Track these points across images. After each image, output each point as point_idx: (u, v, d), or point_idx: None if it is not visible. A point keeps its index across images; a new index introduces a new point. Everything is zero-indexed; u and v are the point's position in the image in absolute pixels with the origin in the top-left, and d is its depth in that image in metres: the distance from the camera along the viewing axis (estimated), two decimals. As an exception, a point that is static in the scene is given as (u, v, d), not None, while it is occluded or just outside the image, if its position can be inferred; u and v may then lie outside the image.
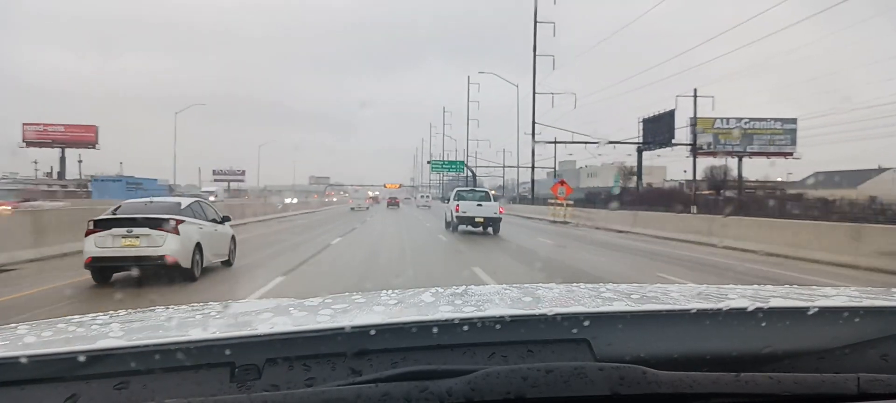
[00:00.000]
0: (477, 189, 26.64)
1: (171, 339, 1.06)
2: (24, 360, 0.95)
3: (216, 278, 10.52)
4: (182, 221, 9.83)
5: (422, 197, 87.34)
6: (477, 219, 21.75)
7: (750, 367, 1.02)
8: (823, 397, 1.00)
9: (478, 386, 0.91)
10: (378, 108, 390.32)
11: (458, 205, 21.95)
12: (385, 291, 1.48)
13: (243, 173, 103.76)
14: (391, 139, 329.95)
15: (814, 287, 1.71)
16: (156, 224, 9.51)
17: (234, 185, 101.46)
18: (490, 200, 22.68)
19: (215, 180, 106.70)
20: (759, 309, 1.17)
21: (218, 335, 1.08)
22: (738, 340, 1.10)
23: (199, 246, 10.08)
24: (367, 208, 61.91)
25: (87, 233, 9.44)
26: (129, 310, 1.50)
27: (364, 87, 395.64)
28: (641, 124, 54.42)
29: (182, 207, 10.48)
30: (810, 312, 1.18)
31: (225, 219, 11.91)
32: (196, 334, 1.11)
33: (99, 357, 0.95)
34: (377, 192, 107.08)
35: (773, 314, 1.17)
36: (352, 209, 59.34)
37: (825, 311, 1.20)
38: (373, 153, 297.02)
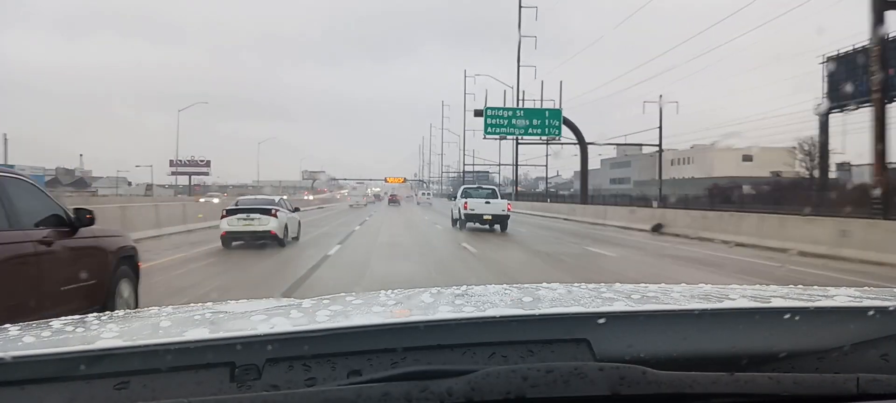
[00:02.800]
0: (484, 186, 27.08)
1: (172, 339, 1.09)
2: (23, 360, 0.97)
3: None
4: (278, 210, 15.87)
5: (423, 194, 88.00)
6: (485, 216, 22.18)
7: (750, 367, 1.02)
8: (823, 397, 1.00)
9: (478, 386, 0.92)
10: (379, 103, 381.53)
11: (466, 203, 22.49)
12: (384, 291, 1.51)
13: (208, 164, 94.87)
14: (393, 133, 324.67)
15: (815, 287, 1.70)
16: (264, 211, 15.54)
17: (196, 180, 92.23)
18: (497, 197, 23.41)
19: (173, 173, 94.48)
20: (759, 309, 1.20)
21: (218, 335, 1.09)
22: (739, 340, 1.10)
23: (286, 225, 16.15)
24: (365, 205, 62.03)
25: (222, 217, 15.45)
26: (128, 311, 1.55)
27: (363, 80, 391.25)
28: (826, 72, 33.74)
29: (276, 202, 16.59)
30: (810, 312, 1.19)
31: (295, 210, 18.04)
32: (196, 334, 1.13)
33: (99, 357, 0.96)
34: (378, 188, 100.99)
35: (774, 314, 1.18)
36: (350, 206, 58.63)
37: (825, 311, 1.22)
38: (374, 147, 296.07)
